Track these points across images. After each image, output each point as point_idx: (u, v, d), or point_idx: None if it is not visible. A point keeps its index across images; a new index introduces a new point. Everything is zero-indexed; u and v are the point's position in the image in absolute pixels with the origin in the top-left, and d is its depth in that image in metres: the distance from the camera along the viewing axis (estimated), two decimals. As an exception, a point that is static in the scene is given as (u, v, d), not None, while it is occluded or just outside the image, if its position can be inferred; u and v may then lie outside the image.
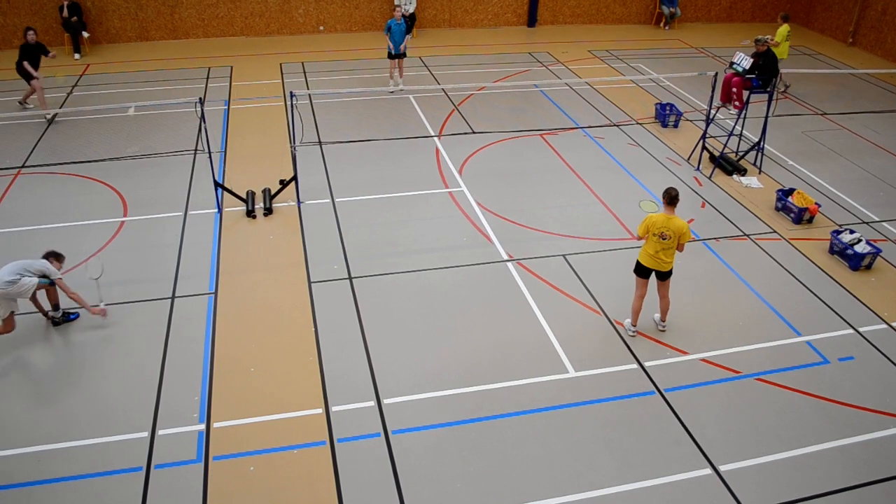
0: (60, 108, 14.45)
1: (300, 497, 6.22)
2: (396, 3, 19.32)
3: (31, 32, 13.88)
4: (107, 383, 7.41)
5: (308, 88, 15.70)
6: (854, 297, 9.16)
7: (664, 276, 7.99)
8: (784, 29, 15.59)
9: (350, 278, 9.20)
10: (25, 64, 13.64)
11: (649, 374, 7.72)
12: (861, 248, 9.68)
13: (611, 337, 8.28)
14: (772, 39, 12.15)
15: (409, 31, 15.25)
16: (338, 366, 7.72)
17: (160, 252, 9.68)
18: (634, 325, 8.30)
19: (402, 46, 15.28)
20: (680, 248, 7.82)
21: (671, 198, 7.75)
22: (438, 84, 16.24)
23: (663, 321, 8.39)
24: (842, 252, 9.85)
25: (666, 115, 14.28)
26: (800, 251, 10.12)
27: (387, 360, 7.82)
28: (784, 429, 7.07)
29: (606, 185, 11.75)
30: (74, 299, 7.94)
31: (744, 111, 12.37)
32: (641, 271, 8.03)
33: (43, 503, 6.11)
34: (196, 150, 12.52)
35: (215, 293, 8.87)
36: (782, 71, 11.99)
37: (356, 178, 11.82)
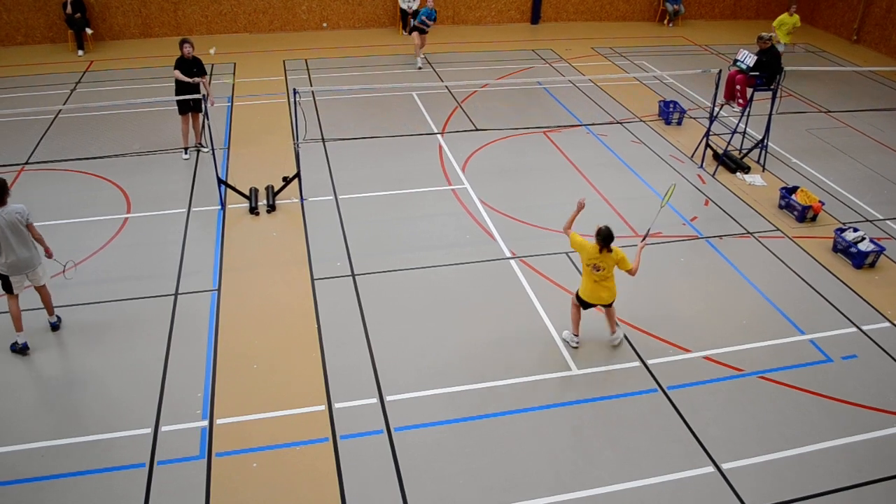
0: (64, 104, 14.48)
1: (303, 494, 6.23)
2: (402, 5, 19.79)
3: (187, 45, 11.63)
4: (110, 380, 7.43)
5: (311, 85, 15.71)
6: (857, 295, 9.14)
7: (608, 307, 7.70)
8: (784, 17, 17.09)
9: (353, 275, 9.21)
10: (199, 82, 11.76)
11: (652, 372, 7.72)
12: (865, 246, 9.67)
13: (613, 334, 8.27)
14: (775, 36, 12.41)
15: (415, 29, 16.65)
16: (341, 363, 7.73)
17: (163, 249, 9.70)
18: (576, 336, 7.91)
19: (425, 23, 16.81)
20: (630, 273, 7.34)
21: (603, 238, 7.12)
22: (442, 81, 16.25)
23: (612, 332, 7.88)
24: (845, 250, 9.84)
25: (669, 112, 14.26)
26: (803, 249, 10.10)
27: (389, 357, 7.83)
28: (787, 427, 7.07)
29: (610, 183, 11.74)
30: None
31: (747, 109, 12.34)
32: (582, 303, 7.71)
33: (47, 499, 6.13)
34: (199, 146, 12.52)
35: (218, 290, 8.88)
36: (786, 68, 11.97)
37: (359, 175, 11.82)
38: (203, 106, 11.49)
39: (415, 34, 16.98)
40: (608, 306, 7.73)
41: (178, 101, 11.78)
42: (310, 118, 13.63)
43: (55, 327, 8.10)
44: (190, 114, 12.10)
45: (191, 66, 11.75)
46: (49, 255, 7.86)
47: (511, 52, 18.68)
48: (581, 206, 7.59)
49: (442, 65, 17.41)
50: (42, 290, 7.90)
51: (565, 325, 8.29)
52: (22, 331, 7.73)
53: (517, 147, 13.07)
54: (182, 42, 11.66)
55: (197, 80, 11.70)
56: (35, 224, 7.68)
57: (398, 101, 15.07)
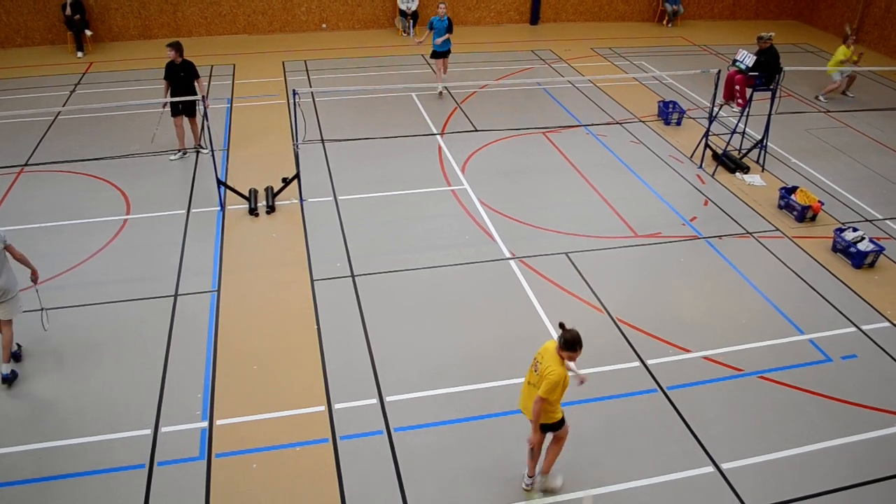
0: (63, 106, 14.48)
1: (303, 495, 6.23)
2: None
3: (170, 51, 11.60)
4: (110, 381, 7.43)
5: (311, 86, 15.71)
6: (857, 294, 9.14)
7: (545, 428, 5.97)
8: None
9: (353, 276, 9.21)
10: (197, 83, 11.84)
11: (652, 372, 7.72)
12: (864, 246, 9.67)
13: (613, 335, 8.27)
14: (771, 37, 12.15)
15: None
16: (340, 363, 7.73)
17: (163, 250, 9.70)
18: (531, 476, 6.27)
19: (439, 41, 14.85)
20: (536, 399, 5.70)
21: (566, 342, 5.60)
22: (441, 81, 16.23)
23: (544, 473, 6.28)
24: (845, 250, 9.84)
25: (669, 112, 14.26)
26: (803, 249, 10.11)
27: (389, 357, 7.83)
28: (786, 427, 7.07)
29: (609, 183, 11.74)
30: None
31: (747, 109, 12.34)
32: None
33: (47, 500, 6.13)
34: (199, 147, 12.53)
35: (218, 291, 8.88)
36: (786, 69, 11.97)
37: (359, 175, 11.82)
38: (195, 109, 11.48)
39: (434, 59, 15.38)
40: (545, 430, 6.00)
41: (171, 104, 11.83)
42: (309, 119, 13.63)
43: (6, 380, 7.21)
44: (183, 116, 12.11)
45: (178, 70, 11.73)
46: (35, 277, 7.33)
47: (510, 53, 18.67)
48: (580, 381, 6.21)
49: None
50: (7, 327, 7.21)
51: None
52: (10, 360, 7.39)
53: (517, 148, 13.07)
54: (167, 46, 11.71)
55: (166, 107, 12.04)
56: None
57: (397, 102, 15.08)
